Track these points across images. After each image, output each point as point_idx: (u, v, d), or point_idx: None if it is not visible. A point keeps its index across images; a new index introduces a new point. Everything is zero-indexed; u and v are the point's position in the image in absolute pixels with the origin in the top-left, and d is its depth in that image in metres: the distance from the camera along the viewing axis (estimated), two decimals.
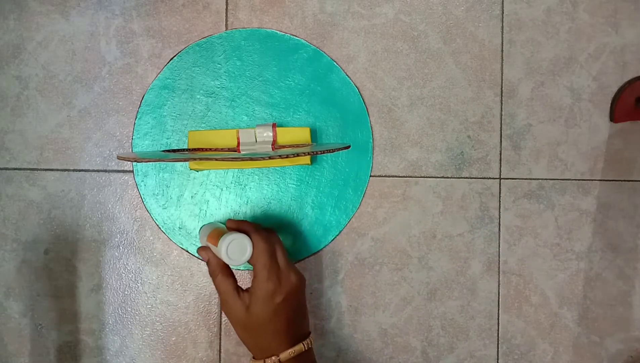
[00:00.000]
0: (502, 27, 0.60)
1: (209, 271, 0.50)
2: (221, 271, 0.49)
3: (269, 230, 0.52)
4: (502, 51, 0.60)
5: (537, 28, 0.61)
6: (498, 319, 0.60)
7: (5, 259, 0.57)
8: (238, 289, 0.49)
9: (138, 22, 0.59)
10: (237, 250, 0.47)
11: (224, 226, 0.53)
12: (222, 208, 0.58)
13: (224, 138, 0.57)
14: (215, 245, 0.48)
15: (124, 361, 0.57)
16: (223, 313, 0.50)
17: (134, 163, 0.58)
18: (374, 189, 0.59)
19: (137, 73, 0.58)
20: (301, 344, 0.48)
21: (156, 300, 0.58)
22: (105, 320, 0.57)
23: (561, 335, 0.60)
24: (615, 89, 0.61)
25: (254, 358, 0.50)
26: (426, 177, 0.59)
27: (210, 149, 0.56)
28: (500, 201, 0.60)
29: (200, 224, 0.57)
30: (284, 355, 0.47)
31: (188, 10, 0.59)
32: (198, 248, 0.52)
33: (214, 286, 0.50)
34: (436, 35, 0.60)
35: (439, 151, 0.60)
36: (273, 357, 0.47)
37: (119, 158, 0.48)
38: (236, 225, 0.52)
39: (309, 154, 0.49)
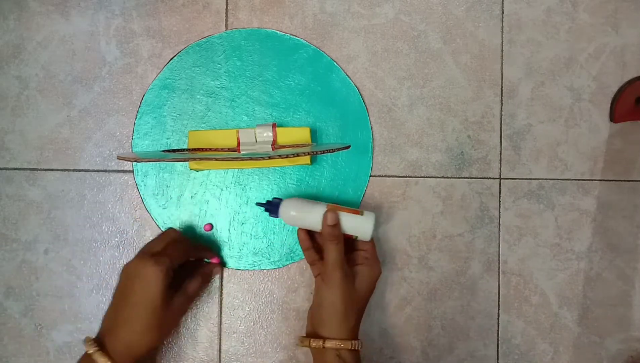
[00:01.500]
0: (502, 27, 0.60)
1: (335, 233, 0.50)
2: (342, 238, 0.51)
3: None
4: (502, 51, 0.60)
5: (537, 28, 0.61)
6: (498, 319, 0.60)
7: (5, 259, 0.57)
8: None
9: (138, 22, 0.59)
10: (375, 226, 0.52)
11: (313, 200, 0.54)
12: (222, 208, 0.58)
13: (224, 138, 0.57)
14: (358, 214, 0.51)
15: None
16: (332, 281, 0.49)
17: (134, 163, 0.58)
18: (374, 189, 0.59)
19: (137, 73, 0.58)
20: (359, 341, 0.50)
21: None
22: None
23: (561, 335, 0.60)
24: (615, 89, 0.61)
25: (325, 337, 0.49)
26: (426, 177, 0.59)
27: (210, 149, 0.56)
28: (500, 201, 0.60)
29: (201, 224, 0.57)
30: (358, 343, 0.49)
31: (188, 10, 0.59)
32: (328, 211, 0.51)
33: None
34: (436, 35, 0.60)
35: (439, 151, 0.60)
36: (357, 341, 0.49)
37: (119, 158, 0.48)
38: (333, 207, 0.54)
39: (309, 154, 0.49)
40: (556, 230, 0.60)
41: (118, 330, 0.47)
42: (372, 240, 0.52)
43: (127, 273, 0.49)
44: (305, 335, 0.51)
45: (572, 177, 0.60)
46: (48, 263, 0.57)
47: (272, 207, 0.53)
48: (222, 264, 0.57)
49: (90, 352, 0.46)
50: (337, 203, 0.53)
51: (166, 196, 0.58)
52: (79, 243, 0.58)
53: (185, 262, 0.52)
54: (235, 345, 0.58)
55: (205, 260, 0.56)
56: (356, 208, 0.56)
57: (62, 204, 0.57)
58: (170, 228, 0.56)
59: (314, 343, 0.48)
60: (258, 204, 0.54)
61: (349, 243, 0.53)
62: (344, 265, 0.50)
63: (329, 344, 0.48)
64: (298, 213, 0.52)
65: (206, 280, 0.56)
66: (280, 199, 0.54)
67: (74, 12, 0.58)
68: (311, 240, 0.53)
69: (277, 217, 0.53)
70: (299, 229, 0.54)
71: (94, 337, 0.48)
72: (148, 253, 0.49)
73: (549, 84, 0.60)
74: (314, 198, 0.57)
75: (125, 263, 0.49)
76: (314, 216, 0.51)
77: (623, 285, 0.61)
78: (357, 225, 0.51)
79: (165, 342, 0.57)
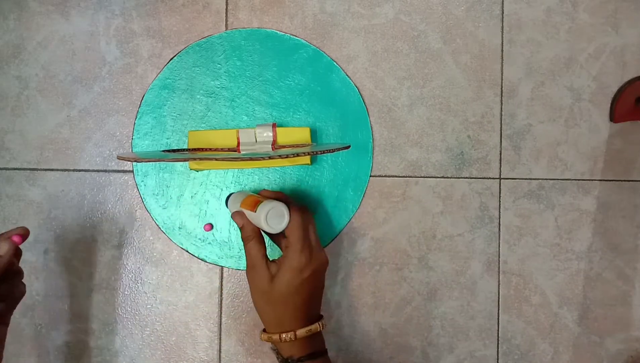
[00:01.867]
0: (502, 27, 0.60)
1: (243, 236, 0.50)
2: (255, 236, 0.49)
3: (303, 206, 0.52)
4: (502, 51, 0.60)
5: (537, 28, 0.61)
6: (498, 319, 0.60)
7: None
8: (267, 258, 0.49)
9: (138, 22, 0.59)
10: (275, 218, 0.47)
11: (254, 194, 0.53)
12: (222, 208, 0.58)
13: (224, 138, 0.57)
14: (253, 210, 0.48)
15: (124, 361, 0.57)
16: (247, 279, 0.49)
17: (134, 163, 0.58)
18: (374, 189, 0.59)
19: (137, 73, 0.58)
20: (317, 324, 0.49)
21: (156, 300, 0.58)
22: (105, 320, 0.57)
23: (561, 335, 0.60)
24: (615, 89, 0.61)
25: (265, 331, 0.50)
26: (426, 177, 0.59)
27: (210, 149, 0.56)
28: (500, 201, 0.60)
29: (201, 224, 0.57)
30: (301, 332, 0.48)
31: (188, 10, 0.59)
32: (233, 213, 0.51)
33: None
34: (436, 35, 0.60)
35: (439, 151, 0.60)
36: (290, 333, 0.47)
37: (119, 158, 0.48)
38: (273, 195, 0.52)
39: (309, 154, 0.49)
40: (556, 230, 0.60)
41: None
42: (295, 227, 0.48)
43: None
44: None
45: (572, 177, 0.60)
46: (48, 263, 0.57)
47: (226, 199, 0.55)
48: (24, 238, 0.47)
49: None
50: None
51: (166, 196, 0.58)
52: (79, 243, 0.57)
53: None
54: (235, 345, 0.58)
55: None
56: (356, 206, 0.56)
57: (62, 204, 0.57)
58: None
59: (261, 335, 0.50)
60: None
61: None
62: (254, 263, 0.49)
63: (262, 338, 0.49)
64: (230, 209, 0.54)
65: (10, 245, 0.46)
66: (232, 193, 0.55)
67: (74, 12, 0.58)
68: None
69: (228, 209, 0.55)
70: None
71: None
72: None
73: (549, 84, 0.60)
74: (315, 198, 0.58)
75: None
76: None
77: (623, 285, 0.61)
78: (257, 221, 0.48)
79: (165, 342, 0.57)
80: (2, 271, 0.44)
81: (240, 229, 0.50)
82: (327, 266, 0.51)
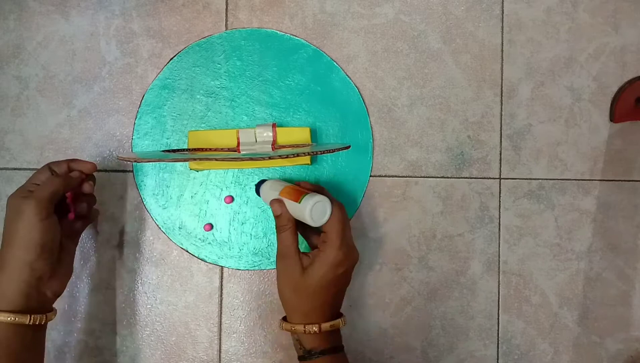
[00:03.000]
0: (502, 27, 0.60)
1: (279, 224, 0.50)
2: (291, 227, 0.49)
3: (341, 203, 0.51)
4: (502, 51, 0.60)
5: (537, 28, 0.61)
6: (498, 319, 0.60)
7: None
8: (299, 249, 0.49)
9: (138, 22, 0.59)
10: (319, 212, 0.48)
11: (292, 184, 0.52)
12: (222, 208, 0.58)
13: (224, 138, 0.57)
14: (297, 201, 0.48)
15: (124, 361, 0.57)
16: (277, 269, 0.49)
17: (134, 163, 0.58)
18: (374, 189, 0.59)
19: (137, 73, 0.58)
20: (340, 319, 0.50)
21: (156, 300, 0.58)
22: (105, 320, 0.57)
23: (561, 335, 0.60)
24: (615, 89, 0.61)
25: (287, 320, 0.50)
26: (426, 177, 0.59)
27: (210, 149, 0.56)
28: (500, 201, 0.60)
29: (201, 224, 0.57)
30: (325, 326, 0.48)
31: (188, 10, 0.59)
32: (272, 200, 0.51)
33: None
34: (436, 35, 0.60)
35: (439, 151, 0.60)
36: (315, 325, 0.48)
37: (119, 158, 0.48)
38: (314, 188, 0.52)
39: (309, 154, 0.49)
40: (556, 230, 0.60)
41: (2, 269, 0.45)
42: (334, 222, 0.48)
43: (5, 217, 0.46)
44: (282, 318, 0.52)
45: (572, 177, 0.60)
46: None
47: (257, 185, 0.55)
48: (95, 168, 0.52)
49: None
50: (300, 184, 0.52)
51: (166, 196, 0.58)
52: (80, 243, 0.57)
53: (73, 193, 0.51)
54: (235, 345, 0.58)
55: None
56: (356, 206, 0.56)
57: None
58: (43, 167, 0.50)
59: (280, 326, 0.50)
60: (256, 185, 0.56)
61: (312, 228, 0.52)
62: (288, 253, 0.49)
63: (285, 327, 0.50)
64: (265, 197, 0.53)
65: (87, 205, 0.52)
66: (266, 180, 0.55)
67: (74, 12, 0.58)
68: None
69: (260, 196, 0.55)
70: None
71: None
72: (20, 192, 0.47)
73: (549, 84, 0.60)
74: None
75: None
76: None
77: (623, 285, 0.61)
78: (298, 212, 0.48)
79: (165, 342, 0.57)
80: (76, 184, 0.50)
81: (277, 217, 0.50)
82: (357, 264, 0.51)
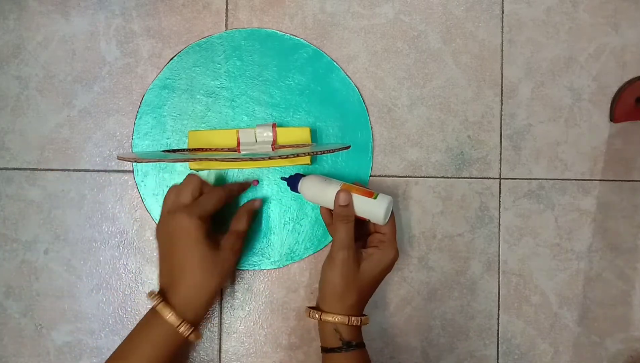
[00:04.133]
0: (502, 27, 0.60)
1: (345, 214, 0.50)
2: (353, 220, 0.51)
3: None
4: (502, 51, 0.60)
5: (537, 28, 0.61)
6: (498, 319, 0.60)
7: (5, 259, 0.57)
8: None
9: (138, 22, 0.59)
10: (389, 211, 0.51)
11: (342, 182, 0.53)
12: (222, 208, 0.58)
13: (224, 138, 0.57)
14: (371, 197, 0.50)
15: None
16: (334, 259, 0.50)
17: (134, 163, 0.58)
18: (374, 189, 0.59)
19: (137, 73, 0.58)
20: (367, 316, 0.52)
21: None
22: (105, 320, 0.57)
23: (561, 335, 0.60)
24: (615, 89, 0.61)
25: (320, 310, 0.51)
26: (426, 177, 0.59)
27: (210, 149, 0.56)
28: (500, 201, 0.60)
29: None
30: (365, 319, 0.51)
31: (188, 10, 0.59)
32: (340, 191, 0.51)
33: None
34: (436, 35, 0.60)
35: (439, 151, 0.60)
36: (358, 318, 0.50)
37: (119, 158, 0.48)
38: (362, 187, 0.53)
39: (309, 154, 0.49)
40: (556, 230, 0.60)
41: (175, 285, 0.48)
42: (392, 223, 0.52)
43: (164, 233, 0.49)
44: (310, 307, 0.53)
45: (572, 177, 0.60)
46: (48, 263, 0.57)
47: (293, 182, 0.55)
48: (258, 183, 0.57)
49: (155, 303, 0.47)
50: (357, 183, 0.53)
51: None
52: (79, 243, 0.58)
53: (224, 206, 0.53)
54: (235, 345, 0.58)
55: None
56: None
57: (62, 204, 0.57)
58: (190, 174, 0.52)
59: (314, 315, 0.51)
60: (282, 178, 0.56)
61: (367, 225, 0.54)
62: (351, 245, 0.50)
63: (325, 317, 0.50)
64: (314, 190, 0.53)
65: (250, 214, 0.54)
66: (302, 176, 0.54)
67: (74, 12, 0.58)
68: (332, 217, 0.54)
69: (297, 192, 0.54)
70: (321, 206, 0.55)
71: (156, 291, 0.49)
72: (178, 207, 0.49)
73: (549, 84, 0.60)
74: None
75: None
76: (328, 195, 0.52)
77: (623, 285, 0.61)
78: (369, 209, 0.50)
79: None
80: (238, 192, 0.56)
81: (344, 207, 0.50)
82: None
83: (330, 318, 0.50)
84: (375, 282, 0.52)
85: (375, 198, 0.50)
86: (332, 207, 0.52)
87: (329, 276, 0.50)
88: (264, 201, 0.57)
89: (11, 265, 0.57)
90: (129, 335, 0.48)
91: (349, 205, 0.50)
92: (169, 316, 0.46)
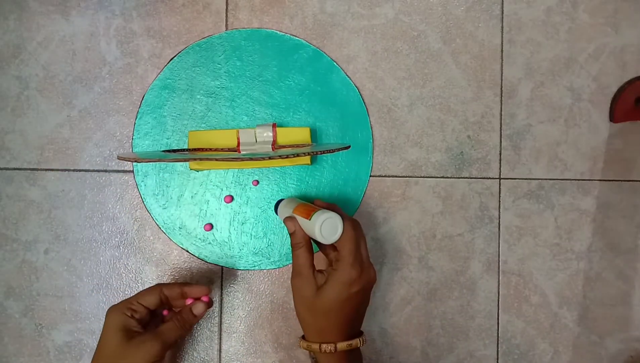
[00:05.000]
0: (502, 27, 0.60)
1: (293, 242, 0.49)
2: (305, 244, 0.49)
3: (356, 220, 0.51)
4: (502, 51, 0.60)
5: (537, 28, 0.61)
6: (498, 319, 0.60)
7: (5, 259, 0.57)
8: (314, 267, 0.49)
9: (138, 22, 0.59)
10: (329, 229, 0.47)
11: (307, 202, 0.52)
12: (222, 208, 0.58)
13: (224, 138, 0.57)
14: (307, 218, 0.47)
15: None
16: (292, 286, 0.49)
17: (134, 163, 0.58)
18: (374, 189, 0.59)
19: (137, 73, 0.58)
20: (358, 339, 0.49)
21: None
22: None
23: (561, 335, 0.60)
24: (615, 89, 0.61)
25: (304, 339, 0.49)
26: (426, 177, 0.59)
27: (211, 149, 0.56)
28: (500, 201, 0.60)
29: (201, 224, 0.57)
30: (341, 345, 0.47)
31: (188, 10, 0.59)
32: (285, 218, 0.50)
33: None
34: (436, 35, 0.60)
35: (439, 151, 0.60)
36: (330, 345, 0.47)
37: (119, 158, 0.48)
38: (326, 206, 0.51)
39: (309, 154, 0.49)
40: (556, 230, 0.60)
41: None
42: (347, 240, 0.47)
43: (108, 332, 0.48)
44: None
45: (572, 177, 0.60)
46: (48, 263, 0.57)
47: (276, 206, 0.55)
48: (210, 304, 0.52)
49: None
50: (316, 201, 0.52)
51: (166, 196, 0.58)
52: (79, 243, 0.58)
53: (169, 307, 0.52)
54: (235, 345, 0.58)
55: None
56: (356, 206, 0.56)
57: (62, 204, 0.57)
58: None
59: (299, 342, 0.50)
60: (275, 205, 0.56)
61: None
62: (302, 271, 0.48)
63: (302, 345, 0.49)
64: (280, 216, 0.53)
65: (183, 325, 0.50)
66: (282, 200, 0.55)
67: (74, 12, 0.59)
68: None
69: (278, 216, 0.55)
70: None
71: None
72: (125, 312, 0.48)
73: (548, 84, 0.60)
74: (314, 198, 0.58)
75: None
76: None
77: (623, 285, 0.61)
78: (310, 229, 0.47)
79: None
80: (191, 328, 0.52)
81: (291, 235, 0.49)
82: (375, 283, 0.50)
83: (305, 346, 0.49)
84: (342, 303, 0.47)
85: (310, 219, 0.47)
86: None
87: (294, 305, 0.49)
88: (210, 304, 0.52)
89: (11, 265, 0.57)
90: None
91: (295, 232, 0.49)
92: None
